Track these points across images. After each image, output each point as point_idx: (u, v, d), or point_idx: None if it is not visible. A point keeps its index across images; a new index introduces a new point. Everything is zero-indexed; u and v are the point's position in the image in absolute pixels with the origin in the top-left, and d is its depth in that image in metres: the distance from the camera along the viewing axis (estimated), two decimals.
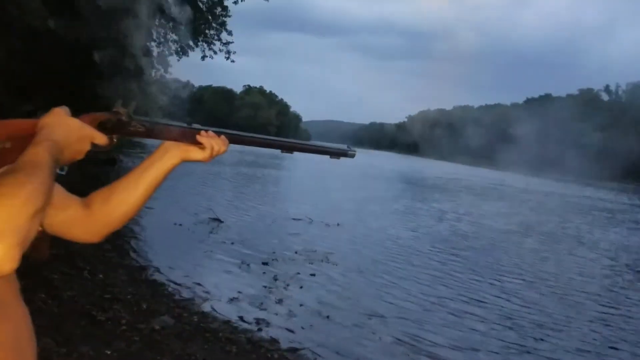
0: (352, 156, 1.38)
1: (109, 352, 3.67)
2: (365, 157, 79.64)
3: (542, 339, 5.90)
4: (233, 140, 1.20)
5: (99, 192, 1.15)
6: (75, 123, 0.96)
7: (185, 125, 1.18)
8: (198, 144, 1.14)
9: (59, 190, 1.12)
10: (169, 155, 1.15)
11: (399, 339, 5.33)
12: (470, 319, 6.28)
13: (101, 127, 1.02)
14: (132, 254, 7.19)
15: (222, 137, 1.16)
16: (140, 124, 1.09)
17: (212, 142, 1.14)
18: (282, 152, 1.35)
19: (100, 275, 5.57)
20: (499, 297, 7.41)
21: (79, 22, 12.84)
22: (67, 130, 0.93)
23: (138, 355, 3.79)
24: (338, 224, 11.81)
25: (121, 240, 7.68)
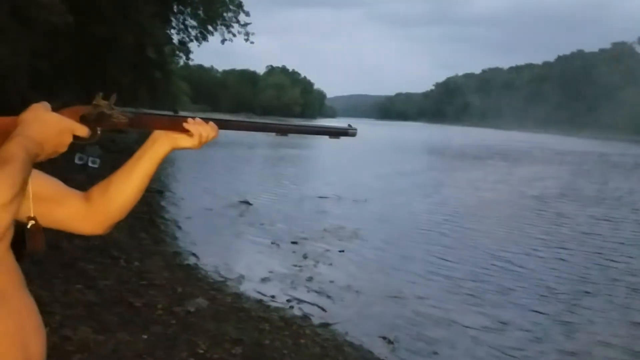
0: (353, 135, 1.35)
1: (145, 337, 3.80)
2: (391, 130, 78.90)
3: (584, 310, 5.70)
4: (222, 126, 1.20)
5: (98, 185, 1.19)
6: (53, 117, 0.99)
7: (171, 113, 1.19)
8: (186, 132, 1.15)
9: (60, 186, 1.17)
10: (158, 144, 1.17)
11: (428, 315, 5.31)
12: (507, 294, 6.09)
13: (83, 120, 1.04)
14: (167, 241, 7.39)
15: (211, 123, 1.17)
16: (123, 115, 1.10)
17: (200, 129, 1.15)
18: (276, 135, 1.35)
19: (136, 263, 5.74)
20: (537, 270, 7.13)
21: (97, 15, 13.02)
22: (44, 125, 0.96)
23: (174, 338, 3.91)
24: (365, 200, 11.81)
25: (156, 228, 7.89)
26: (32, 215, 1.03)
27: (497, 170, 20.99)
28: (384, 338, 4.64)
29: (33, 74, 10.16)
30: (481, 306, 5.67)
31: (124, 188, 1.17)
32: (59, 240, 5.08)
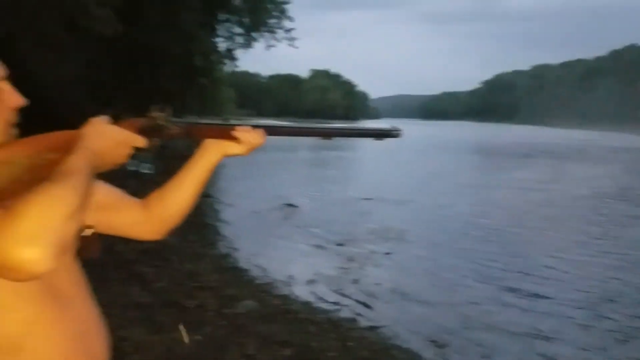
0: (397, 136, 1.35)
1: (198, 337, 3.91)
2: (437, 129, 77.65)
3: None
4: (269, 132, 1.24)
5: (155, 193, 1.25)
6: (112, 130, 1.03)
7: (221, 122, 1.24)
8: (235, 139, 1.20)
9: (119, 194, 1.24)
10: (209, 153, 1.23)
11: (478, 320, 5.19)
12: (559, 301, 5.79)
13: (141, 131, 1.09)
14: (216, 243, 7.57)
15: (258, 130, 1.21)
16: (178, 125, 1.15)
17: (248, 136, 1.19)
18: (321, 139, 1.37)
19: (188, 265, 5.91)
20: (591, 275, 6.74)
21: (147, 26, 13.49)
22: (104, 138, 1.00)
23: (225, 339, 4.00)
24: (411, 201, 11.69)
25: (206, 230, 8.10)
26: (89, 224, 1.07)
27: (547, 169, 20.32)
28: (434, 342, 4.58)
29: (88, 84, 10.63)
30: (532, 312, 5.48)
31: (179, 195, 1.23)
32: (115, 244, 5.30)
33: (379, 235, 8.40)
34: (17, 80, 1.01)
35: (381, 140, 1.37)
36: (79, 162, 0.90)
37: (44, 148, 0.97)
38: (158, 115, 1.13)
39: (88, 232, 1.08)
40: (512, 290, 6.08)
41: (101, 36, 9.98)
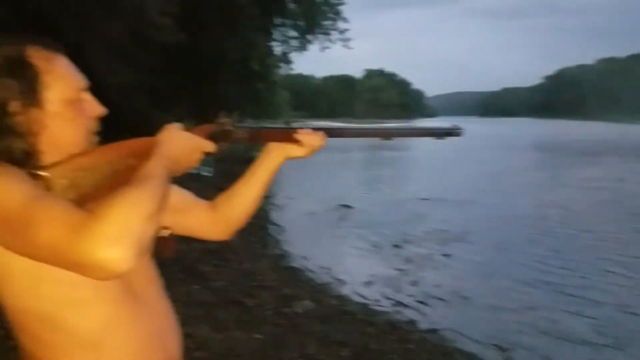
0: (459, 135, 1.34)
1: (258, 336, 3.98)
2: (497, 126, 75.35)
3: None
4: (330, 134, 1.27)
5: (222, 195, 1.31)
6: (185, 136, 1.09)
7: (283, 126, 1.28)
8: (297, 142, 1.24)
9: (189, 197, 1.30)
10: (272, 156, 1.28)
11: (541, 325, 4.97)
12: (630, 308, 5.46)
13: (210, 137, 1.14)
14: (273, 244, 7.70)
15: (319, 132, 1.25)
16: (244, 130, 1.20)
17: (310, 139, 1.23)
18: (381, 139, 1.37)
19: (247, 265, 6.04)
20: None
21: (207, 33, 13.90)
22: (178, 144, 1.06)
23: (285, 338, 4.06)
24: (470, 202, 11.41)
25: (264, 231, 8.24)
26: (165, 225, 1.13)
27: (614, 167, 19.23)
28: (497, 346, 4.45)
29: (151, 91, 11.07)
30: (599, 320, 5.17)
31: (244, 198, 1.29)
32: (179, 244, 5.49)
33: (437, 236, 8.25)
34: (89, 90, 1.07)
35: (443, 139, 1.35)
36: (156, 167, 0.94)
37: (124, 154, 1.03)
38: (226, 121, 1.18)
39: (165, 233, 1.14)
40: (574, 296, 5.79)
41: (163, 45, 10.37)
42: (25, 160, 0.95)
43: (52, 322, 0.96)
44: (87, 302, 0.97)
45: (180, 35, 10.50)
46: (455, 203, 11.25)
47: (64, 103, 0.99)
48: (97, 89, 1.07)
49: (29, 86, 0.95)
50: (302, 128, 1.25)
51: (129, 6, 9.01)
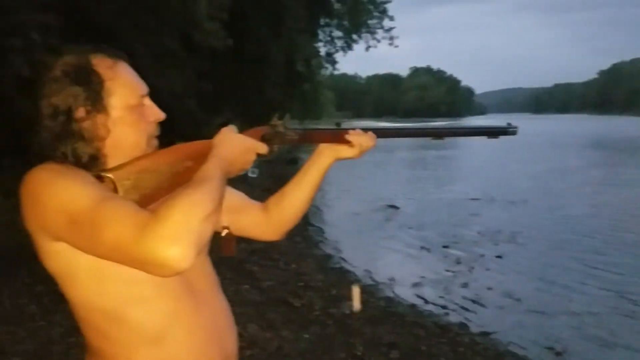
0: (514, 133, 1.31)
1: (306, 336, 4.00)
2: (549, 123, 72.80)
3: None
4: (380, 134, 1.27)
5: (273, 196, 1.34)
6: (239, 138, 1.12)
7: (334, 127, 1.27)
8: (347, 143, 1.24)
9: (243, 198, 1.33)
10: (322, 157, 1.29)
11: (595, 331, 4.75)
12: None
13: (262, 138, 1.17)
14: (319, 244, 7.71)
15: (369, 133, 1.25)
16: (295, 132, 1.22)
17: (360, 139, 1.24)
18: (432, 139, 1.34)
19: (293, 265, 6.08)
20: None
21: (252, 36, 14.12)
22: (233, 146, 1.09)
23: (332, 339, 4.05)
24: (524, 201, 11.06)
25: (310, 231, 8.28)
26: (225, 225, 1.18)
27: None
28: (551, 349, 4.30)
29: (199, 94, 11.33)
30: None
31: (295, 198, 1.31)
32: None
33: (488, 237, 8.04)
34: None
35: (496, 138, 1.32)
36: (213, 169, 0.98)
37: (182, 156, 1.07)
38: (278, 123, 1.20)
39: (224, 232, 1.18)
40: (630, 300, 5.50)
41: (211, 49, 10.62)
42: (91, 164, 1.00)
43: (116, 318, 1.00)
44: (149, 298, 1.01)
45: (228, 40, 10.71)
46: (506, 203, 10.93)
47: (126, 108, 1.04)
48: (151, 94, 1.11)
49: (94, 93, 1.00)
50: (352, 129, 1.25)
51: (179, 13, 9.27)
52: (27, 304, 3.89)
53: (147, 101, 1.09)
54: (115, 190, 0.97)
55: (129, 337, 1.01)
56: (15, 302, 3.91)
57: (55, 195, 0.91)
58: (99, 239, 0.86)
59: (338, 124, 1.27)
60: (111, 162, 1.02)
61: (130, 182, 0.99)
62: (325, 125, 1.31)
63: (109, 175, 0.98)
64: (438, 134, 1.34)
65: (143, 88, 1.08)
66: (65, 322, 3.34)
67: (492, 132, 1.30)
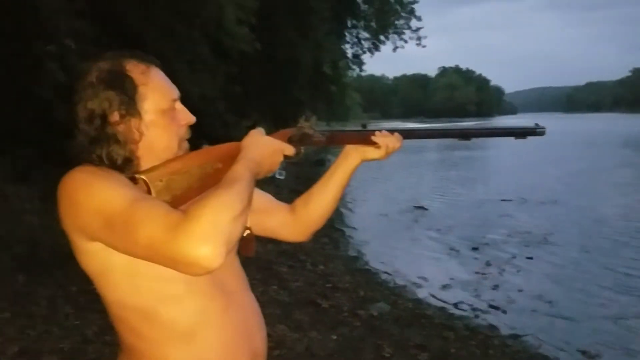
0: (542, 134, 1.29)
1: (334, 337, 4.00)
2: (581, 122, 71.01)
3: None
4: (405, 135, 1.27)
5: (300, 198, 1.35)
6: (267, 140, 1.14)
7: (360, 128, 1.27)
8: (374, 144, 1.24)
9: (270, 199, 1.35)
10: (349, 159, 1.29)
11: (631, 335, 4.63)
12: None
13: (290, 140, 1.18)
14: (347, 246, 7.70)
15: (396, 134, 1.25)
16: (321, 134, 1.23)
17: (386, 140, 1.24)
18: (458, 140, 1.34)
19: (321, 267, 6.09)
20: None
21: (280, 39, 14.22)
22: (261, 147, 1.11)
23: (361, 340, 4.05)
24: (554, 202, 10.83)
25: (336, 233, 8.28)
26: (247, 225, 1.18)
27: None
28: (584, 352, 4.21)
29: (228, 97, 11.46)
30: None
31: (322, 200, 1.31)
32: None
33: (519, 238, 7.91)
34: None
35: (524, 138, 1.30)
36: (242, 170, 1.00)
37: (212, 158, 1.10)
38: (305, 125, 1.22)
39: (246, 233, 1.19)
40: None
41: (240, 53, 10.75)
42: (125, 166, 1.03)
43: (149, 315, 1.03)
44: (181, 296, 1.03)
45: (256, 43, 10.83)
46: (537, 204, 10.72)
47: (159, 112, 1.07)
48: (182, 99, 1.14)
49: (128, 98, 1.03)
50: (378, 130, 1.25)
51: (209, 18, 9.41)
52: (62, 304, 4.00)
53: (179, 105, 1.11)
54: (148, 191, 1.00)
55: (161, 335, 1.03)
56: (51, 302, 4.02)
57: (91, 196, 0.94)
58: (132, 238, 0.88)
59: (364, 126, 1.27)
60: (144, 165, 1.05)
61: (163, 184, 1.01)
62: (351, 126, 1.32)
63: (143, 177, 1.01)
64: (464, 134, 1.33)
65: (175, 92, 1.11)
66: (99, 321, 3.43)
67: (520, 133, 1.28)
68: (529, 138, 1.31)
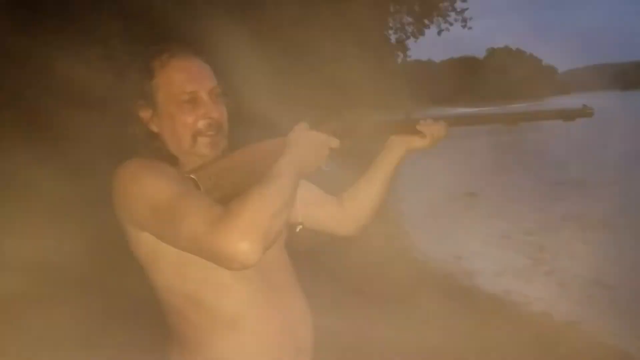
0: (590, 115, 1.25)
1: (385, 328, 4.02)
2: None
3: None
4: (452, 122, 1.25)
5: (348, 191, 1.35)
6: (312, 134, 1.13)
7: (404, 117, 1.26)
8: (418, 133, 1.23)
9: (320, 192, 1.35)
10: (394, 150, 1.29)
11: None
12: None
13: (334, 133, 1.18)
14: (397, 234, 7.65)
15: (441, 122, 1.23)
16: (366, 124, 1.23)
17: (431, 129, 1.22)
18: (506, 126, 1.31)
19: (371, 257, 6.08)
20: None
21: (323, 28, 14.16)
22: (306, 142, 1.11)
23: (413, 330, 4.05)
24: (612, 184, 10.34)
25: (386, 222, 8.23)
26: (299, 220, 1.22)
27: None
28: None
29: (272, 90, 11.55)
30: None
31: (369, 193, 1.31)
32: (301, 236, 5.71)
33: (574, 223, 7.62)
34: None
35: (572, 120, 1.27)
36: (285, 166, 1.01)
37: (258, 155, 1.11)
38: (349, 117, 1.22)
39: (298, 228, 1.22)
40: None
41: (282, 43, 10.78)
42: (169, 159, 1.07)
43: (196, 301, 1.07)
44: (227, 284, 1.07)
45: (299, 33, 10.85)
46: (594, 186, 10.29)
47: (170, 104, 1.08)
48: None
49: (147, 92, 1.07)
50: (422, 118, 1.24)
51: (250, 8, 9.49)
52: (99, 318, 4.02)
53: (205, 97, 1.10)
54: (199, 188, 1.03)
55: (208, 321, 1.07)
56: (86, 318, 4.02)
57: (141, 187, 0.98)
58: (177, 230, 0.92)
59: (408, 114, 1.26)
60: (179, 156, 1.09)
61: (212, 182, 1.04)
62: (396, 115, 1.31)
63: (192, 176, 1.04)
64: (510, 119, 1.31)
65: (194, 85, 1.09)
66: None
67: (567, 115, 1.25)
68: (578, 120, 1.28)
